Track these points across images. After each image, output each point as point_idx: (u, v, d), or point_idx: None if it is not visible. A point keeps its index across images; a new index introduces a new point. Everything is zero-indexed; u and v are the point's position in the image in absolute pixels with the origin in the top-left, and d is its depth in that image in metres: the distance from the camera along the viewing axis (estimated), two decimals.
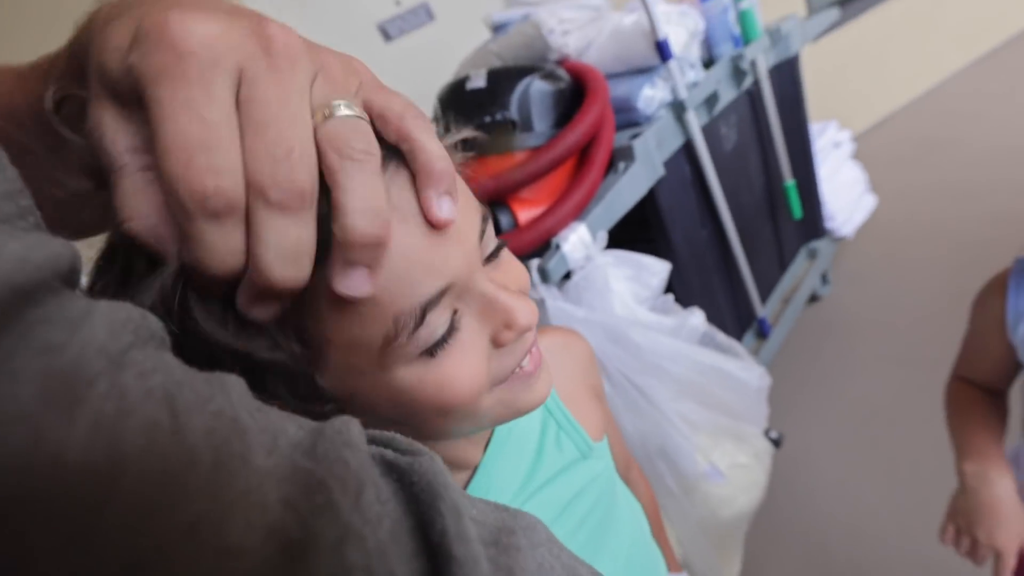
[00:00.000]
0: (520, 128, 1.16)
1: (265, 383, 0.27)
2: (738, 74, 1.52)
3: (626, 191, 1.19)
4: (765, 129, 1.68)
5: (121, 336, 0.17)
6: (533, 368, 0.36)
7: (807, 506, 1.48)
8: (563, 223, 1.10)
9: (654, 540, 0.62)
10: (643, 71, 1.34)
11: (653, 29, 1.24)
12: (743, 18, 1.55)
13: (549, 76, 1.21)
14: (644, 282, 1.18)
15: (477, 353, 0.31)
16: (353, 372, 0.29)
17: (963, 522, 0.65)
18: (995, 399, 0.72)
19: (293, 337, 0.27)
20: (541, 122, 1.18)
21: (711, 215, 1.53)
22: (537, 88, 1.17)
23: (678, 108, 1.33)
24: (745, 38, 1.56)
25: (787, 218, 1.85)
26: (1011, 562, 0.60)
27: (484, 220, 0.32)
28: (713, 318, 1.61)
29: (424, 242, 0.27)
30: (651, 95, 1.30)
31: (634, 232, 1.39)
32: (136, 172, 0.22)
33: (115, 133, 0.22)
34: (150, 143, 0.21)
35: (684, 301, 1.34)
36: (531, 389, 0.36)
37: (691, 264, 1.48)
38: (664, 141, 1.30)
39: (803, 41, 1.73)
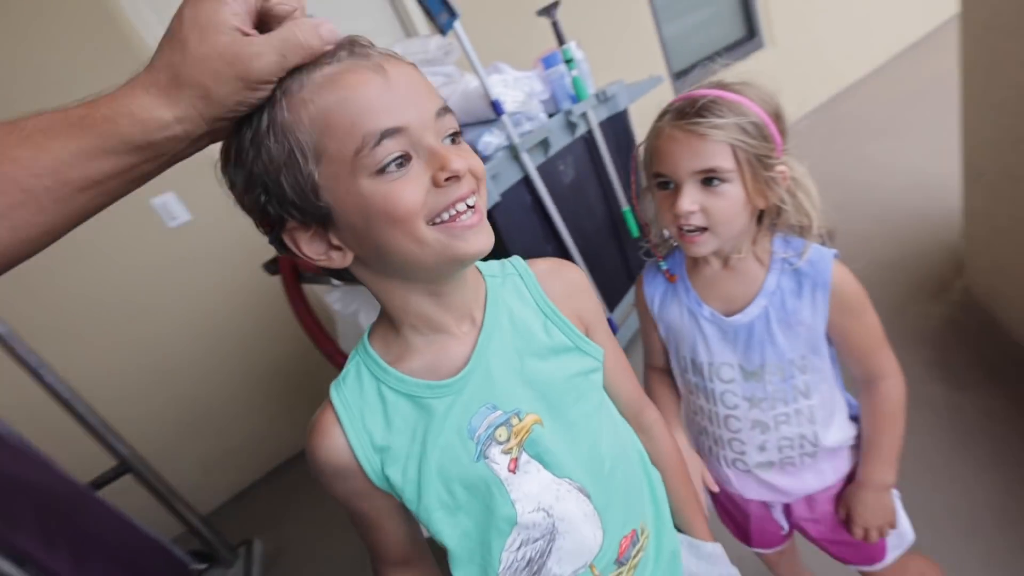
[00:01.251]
0: None
1: (282, 183, 0.42)
2: (570, 125, 1.95)
3: None
4: (600, 166, 2.11)
5: None
6: (473, 222, 0.46)
7: None
8: None
9: (649, 484, 0.66)
10: (486, 122, 1.74)
11: (486, 92, 1.65)
12: (575, 83, 1.99)
13: None
14: None
15: (418, 185, 0.43)
16: (335, 178, 0.43)
17: None
18: (670, 378, 0.88)
19: (311, 153, 0.42)
20: None
21: (554, 234, 1.92)
22: None
23: (513, 151, 1.73)
24: (577, 97, 2.01)
25: (630, 237, 2.27)
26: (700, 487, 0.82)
27: (445, 109, 0.46)
28: None
29: (385, 92, 0.42)
30: (489, 140, 1.69)
31: None
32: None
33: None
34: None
35: None
36: (467, 239, 0.45)
37: None
38: (500, 175, 1.68)
39: (629, 100, 2.20)
